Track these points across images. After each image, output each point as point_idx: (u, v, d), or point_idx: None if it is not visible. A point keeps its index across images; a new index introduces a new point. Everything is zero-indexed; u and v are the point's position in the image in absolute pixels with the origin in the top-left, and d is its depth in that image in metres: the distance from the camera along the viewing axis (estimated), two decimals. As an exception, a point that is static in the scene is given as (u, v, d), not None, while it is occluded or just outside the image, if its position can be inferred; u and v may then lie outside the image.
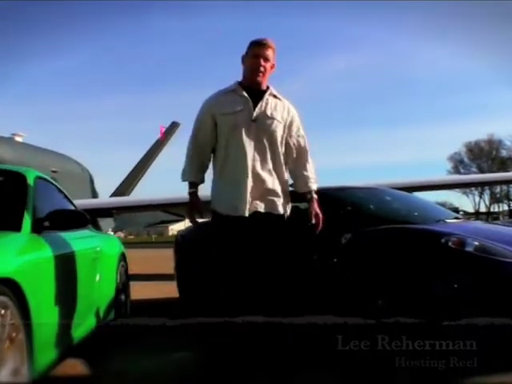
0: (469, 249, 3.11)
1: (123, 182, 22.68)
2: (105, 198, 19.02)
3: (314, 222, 3.03)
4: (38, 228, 2.71)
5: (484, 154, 53.11)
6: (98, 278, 3.69)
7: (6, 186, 2.96)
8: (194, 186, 3.03)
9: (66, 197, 3.95)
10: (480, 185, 40.49)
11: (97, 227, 12.63)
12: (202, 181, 3.07)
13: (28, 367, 2.18)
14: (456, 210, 5.12)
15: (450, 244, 3.15)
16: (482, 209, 53.98)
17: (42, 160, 14.10)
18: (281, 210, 2.93)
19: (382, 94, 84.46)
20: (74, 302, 2.96)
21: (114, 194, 21.39)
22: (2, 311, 2.02)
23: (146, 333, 4.14)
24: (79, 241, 3.44)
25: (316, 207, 3.06)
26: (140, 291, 6.03)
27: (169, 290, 6.02)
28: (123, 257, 4.59)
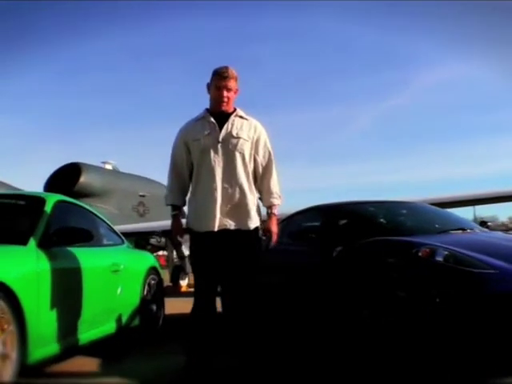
0: (438, 258, 3.19)
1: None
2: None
3: (265, 238, 3.15)
4: (46, 243, 3.23)
5: None
6: (119, 288, 4.19)
7: (25, 209, 3.57)
8: (176, 208, 3.22)
9: (97, 217, 4.51)
10: None
11: (176, 246, 13.44)
12: (184, 203, 3.26)
13: (18, 354, 2.69)
14: (483, 223, 5.05)
15: (419, 254, 3.26)
16: None
17: (129, 186, 15.34)
18: (251, 225, 3.09)
19: (492, 102, 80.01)
20: (80, 308, 3.44)
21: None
22: None
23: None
24: (98, 256, 3.98)
25: (273, 224, 3.16)
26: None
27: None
28: (154, 271, 5.05)
